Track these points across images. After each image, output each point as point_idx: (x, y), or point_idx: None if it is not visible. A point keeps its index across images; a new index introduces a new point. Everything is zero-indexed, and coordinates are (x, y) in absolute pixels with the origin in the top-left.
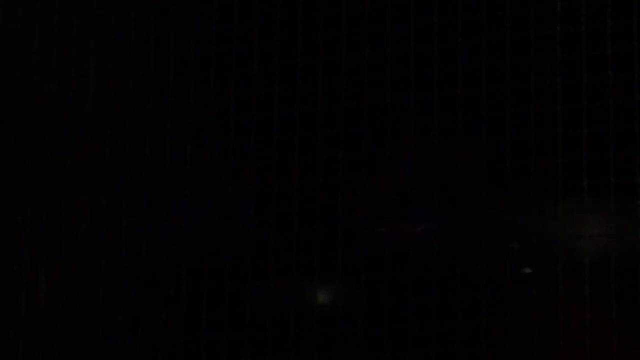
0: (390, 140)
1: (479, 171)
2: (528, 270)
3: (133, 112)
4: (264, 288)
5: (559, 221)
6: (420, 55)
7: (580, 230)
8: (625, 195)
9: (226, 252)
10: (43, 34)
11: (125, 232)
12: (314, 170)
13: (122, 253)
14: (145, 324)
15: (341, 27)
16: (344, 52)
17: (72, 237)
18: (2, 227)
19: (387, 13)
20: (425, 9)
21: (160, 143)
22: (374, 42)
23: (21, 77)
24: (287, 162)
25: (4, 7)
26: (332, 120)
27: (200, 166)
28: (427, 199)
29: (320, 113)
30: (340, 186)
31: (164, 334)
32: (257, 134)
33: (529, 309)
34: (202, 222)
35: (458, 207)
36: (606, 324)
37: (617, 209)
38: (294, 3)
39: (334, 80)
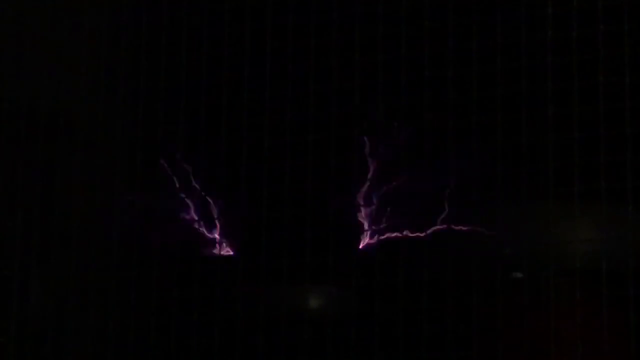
0: (382, 147)
1: (470, 177)
2: (519, 275)
3: (124, 118)
4: (255, 293)
5: (550, 226)
6: (411, 61)
7: (571, 235)
8: (616, 200)
9: (217, 257)
10: (35, 41)
11: (116, 238)
12: (305, 176)
13: (113, 258)
14: (136, 328)
15: (332, 34)
16: (334, 58)
17: (63, 242)
18: None
19: (379, 18)
20: (416, 15)
21: (152, 148)
22: (365, 49)
23: (14, 84)
24: (278, 168)
25: None
26: (323, 127)
27: (190, 171)
28: (418, 205)
29: (311, 119)
30: (332, 192)
31: (155, 338)
32: (248, 139)
33: (520, 313)
34: (193, 226)
35: (449, 212)
36: (597, 328)
37: (608, 214)
38: (285, 10)
39: (325, 86)
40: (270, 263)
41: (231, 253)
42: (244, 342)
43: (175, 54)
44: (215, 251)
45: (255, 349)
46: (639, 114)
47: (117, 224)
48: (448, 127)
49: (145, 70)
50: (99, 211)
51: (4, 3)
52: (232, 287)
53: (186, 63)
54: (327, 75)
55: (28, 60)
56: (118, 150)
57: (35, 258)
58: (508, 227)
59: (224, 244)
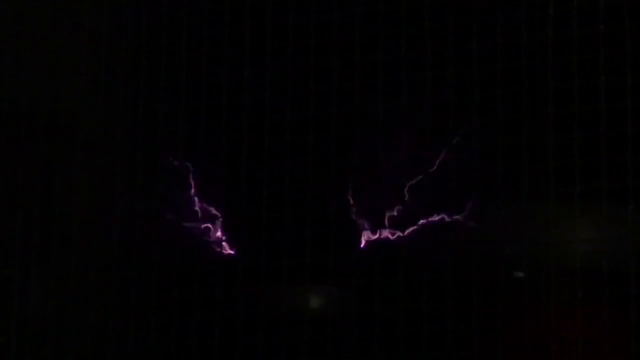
0: (382, 147)
1: (470, 176)
2: (520, 275)
3: (124, 118)
4: (255, 293)
5: (550, 226)
6: (412, 61)
7: (571, 235)
8: (617, 200)
9: (217, 257)
10: (35, 41)
11: (116, 238)
12: (306, 176)
13: (113, 258)
14: (137, 328)
15: (332, 34)
16: (334, 58)
17: (63, 242)
18: None
19: (379, 18)
20: (416, 15)
21: (151, 148)
22: (365, 49)
23: (14, 84)
24: (278, 168)
25: None
26: (323, 127)
27: (191, 171)
28: (419, 205)
29: (311, 120)
30: (332, 192)
31: (155, 338)
32: (249, 139)
33: (520, 313)
34: (193, 227)
35: (450, 212)
36: (597, 328)
37: (609, 214)
38: (285, 10)
39: (325, 86)
40: (270, 263)
41: (232, 253)
42: (244, 342)
43: (175, 54)
44: (216, 251)
45: (255, 349)
46: None
47: (117, 224)
48: (448, 127)
49: (145, 70)
50: (99, 211)
51: (4, 3)
52: (232, 287)
53: (186, 63)
54: (327, 75)
55: (28, 60)
56: (118, 150)
57: (35, 258)
58: (508, 227)
59: (224, 244)
